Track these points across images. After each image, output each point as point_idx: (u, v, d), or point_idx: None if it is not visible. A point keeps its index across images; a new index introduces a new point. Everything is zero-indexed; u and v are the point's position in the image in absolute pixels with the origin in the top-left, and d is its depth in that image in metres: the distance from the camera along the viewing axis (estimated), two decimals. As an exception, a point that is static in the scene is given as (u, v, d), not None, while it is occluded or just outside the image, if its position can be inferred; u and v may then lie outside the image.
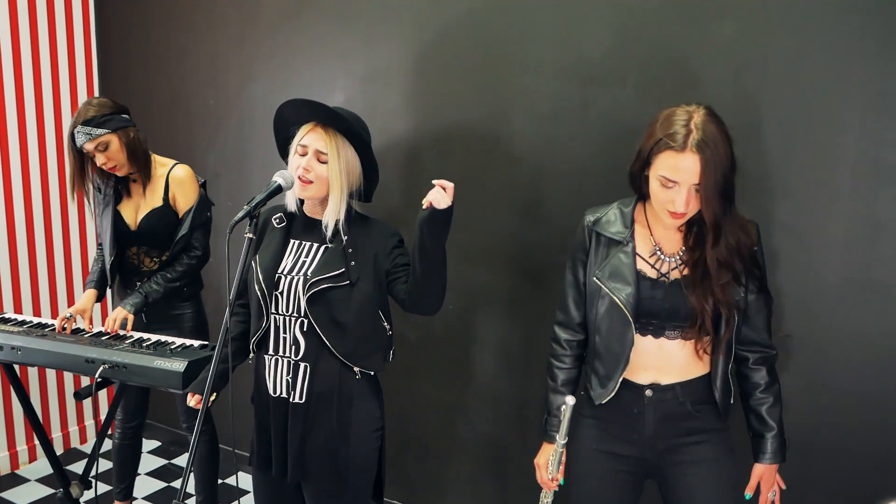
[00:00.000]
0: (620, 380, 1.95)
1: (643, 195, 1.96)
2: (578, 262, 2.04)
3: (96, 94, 3.92)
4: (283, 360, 2.15)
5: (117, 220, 2.79)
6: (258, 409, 2.22)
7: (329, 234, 2.14)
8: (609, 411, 1.99)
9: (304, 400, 2.13)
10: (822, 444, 2.37)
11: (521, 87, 2.71)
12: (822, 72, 2.23)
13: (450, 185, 1.94)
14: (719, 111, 1.83)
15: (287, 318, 2.13)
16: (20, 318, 2.74)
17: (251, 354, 2.22)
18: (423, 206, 1.95)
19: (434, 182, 1.94)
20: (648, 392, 1.94)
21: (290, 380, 2.14)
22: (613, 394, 1.96)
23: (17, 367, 2.70)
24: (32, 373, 3.73)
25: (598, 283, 1.95)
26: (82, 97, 3.86)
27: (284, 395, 2.15)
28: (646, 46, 2.47)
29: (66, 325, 2.61)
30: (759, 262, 1.91)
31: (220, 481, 3.46)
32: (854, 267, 2.27)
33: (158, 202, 2.78)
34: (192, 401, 2.17)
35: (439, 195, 1.92)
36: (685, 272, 1.90)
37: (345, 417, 2.14)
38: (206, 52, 3.54)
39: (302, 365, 2.12)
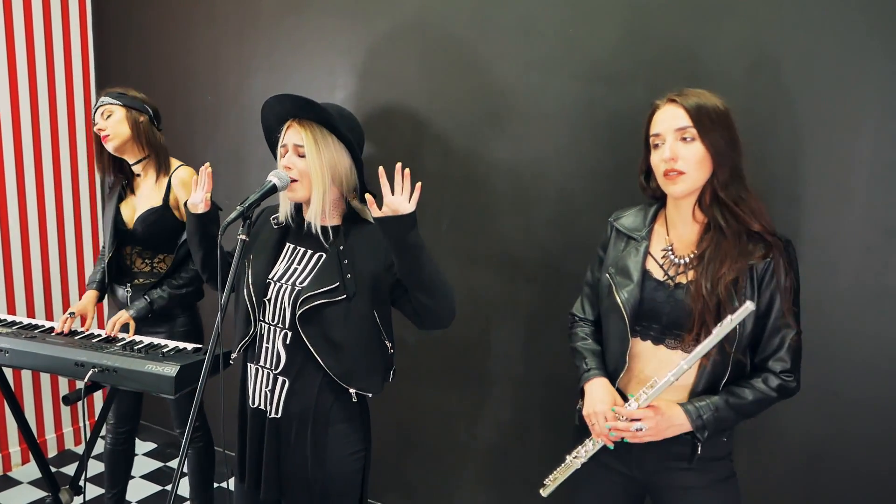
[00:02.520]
0: (618, 381, 1.89)
1: (658, 197, 1.93)
2: (597, 259, 2.02)
3: (93, 90, 3.87)
4: (263, 371, 2.04)
5: (117, 217, 2.76)
6: (239, 419, 2.13)
7: (318, 233, 2.02)
8: None
9: (280, 416, 2.02)
10: (833, 455, 2.31)
11: (526, 86, 2.64)
12: (836, 72, 2.17)
13: (406, 180, 1.80)
14: (731, 111, 1.81)
15: (272, 328, 2.02)
16: (10, 318, 2.67)
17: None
18: (375, 213, 1.81)
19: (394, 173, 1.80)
20: None
21: (268, 392, 2.04)
22: None
23: (6, 369, 2.64)
24: (26, 373, 3.67)
25: (609, 278, 1.91)
26: (79, 93, 3.80)
27: (262, 407, 2.05)
28: (655, 44, 2.41)
29: (64, 327, 2.56)
30: (776, 276, 1.77)
31: (218, 485, 3.41)
32: (868, 273, 2.21)
33: (157, 202, 2.73)
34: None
35: (399, 203, 1.79)
36: (692, 277, 1.80)
37: (321, 439, 2.01)
38: (204, 48, 3.48)
39: (280, 379, 2.01)
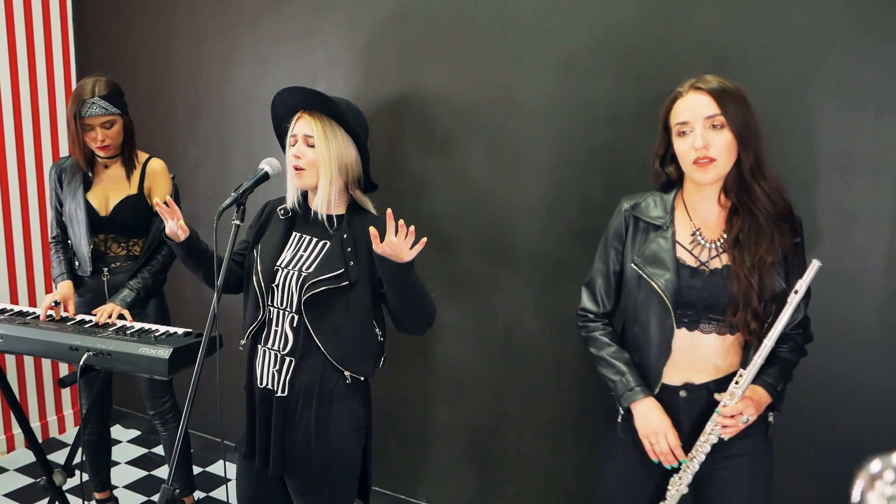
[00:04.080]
0: (662, 372, 1.91)
1: (672, 183, 1.96)
2: (612, 250, 2.01)
3: (74, 82, 3.90)
4: (271, 353, 2.14)
5: (89, 207, 2.81)
6: (247, 399, 2.22)
7: (324, 221, 2.11)
8: None
9: (286, 394, 2.12)
10: (795, 429, 2.42)
11: (502, 78, 2.74)
12: (799, 64, 2.27)
13: (410, 234, 1.86)
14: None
15: (280, 312, 2.12)
16: (1, 306, 2.72)
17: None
18: (376, 248, 1.88)
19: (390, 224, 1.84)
20: (683, 393, 1.90)
21: (276, 372, 2.13)
22: (658, 389, 1.91)
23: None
24: (10, 363, 3.71)
25: (637, 269, 1.91)
26: (59, 86, 3.83)
27: (270, 387, 2.14)
28: (626, 38, 2.51)
29: (51, 313, 2.61)
30: (799, 256, 1.87)
31: (203, 469, 3.48)
32: (827, 256, 2.28)
33: (133, 190, 2.82)
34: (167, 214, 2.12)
35: (400, 247, 1.86)
36: (726, 260, 1.85)
37: (324, 415, 2.10)
38: (186, 41, 3.53)
39: (287, 359, 2.11)
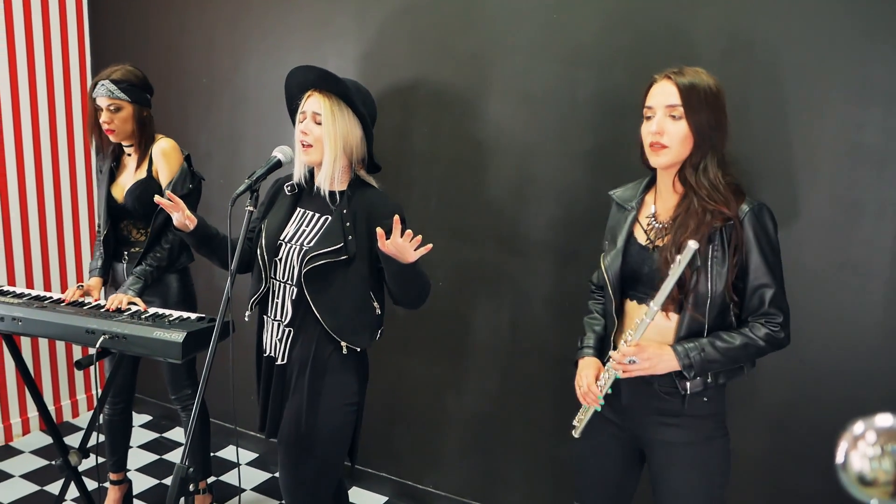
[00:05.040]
0: (612, 341, 2.03)
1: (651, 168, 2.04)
2: (607, 229, 2.15)
3: (89, 72, 3.94)
4: (274, 323, 2.24)
5: (109, 196, 2.88)
6: (256, 368, 2.34)
7: (326, 196, 2.19)
8: None
9: (285, 362, 2.23)
10: (799, 419, 2.45)
11: (512, 69, 2.77)
12: (805, 57, 2.29)
13: (416, 240, 1.95)
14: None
15: (282, 285, 2.21)
16: (17, 290, 2.77)
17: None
18: (381, 246, 1.97)
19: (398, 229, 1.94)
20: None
21: (277, 342, 2.24)
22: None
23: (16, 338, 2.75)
24: (26, 348, 3.77)
25: (604, 245, 2.08)
26: (75, 75, 3.87)
27: (272, 355, 2.26)
28: (635, 30, 2.53)
29: (74, 295, 2.68)
30: (742, 240, 1.87)
31: (214, 454, 3.53)
32: (833, 248, 2.34)
33: (143, 175, 2.85)
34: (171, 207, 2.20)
35: (405, 248, 1.95)
36: (666, 241, 1.92)
37: (316, 386, 2.19)
38: (199, 31, 3.57)
39: (287, 329, 2.22)
